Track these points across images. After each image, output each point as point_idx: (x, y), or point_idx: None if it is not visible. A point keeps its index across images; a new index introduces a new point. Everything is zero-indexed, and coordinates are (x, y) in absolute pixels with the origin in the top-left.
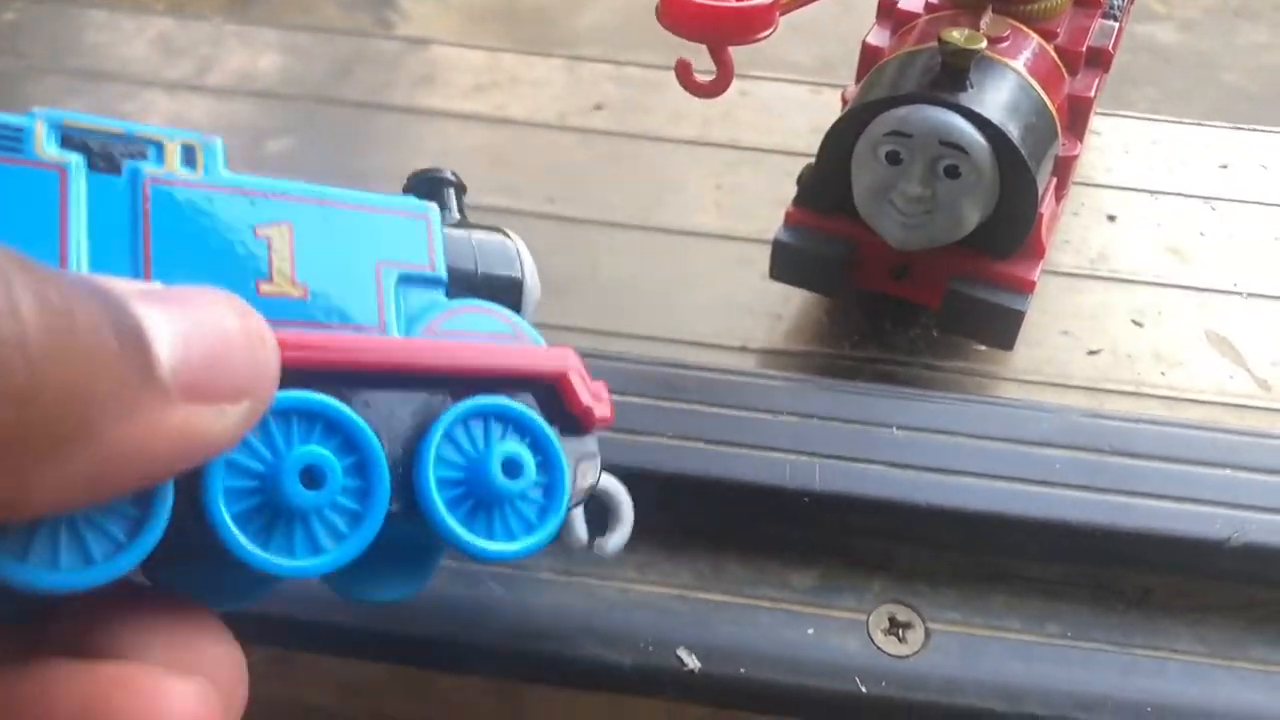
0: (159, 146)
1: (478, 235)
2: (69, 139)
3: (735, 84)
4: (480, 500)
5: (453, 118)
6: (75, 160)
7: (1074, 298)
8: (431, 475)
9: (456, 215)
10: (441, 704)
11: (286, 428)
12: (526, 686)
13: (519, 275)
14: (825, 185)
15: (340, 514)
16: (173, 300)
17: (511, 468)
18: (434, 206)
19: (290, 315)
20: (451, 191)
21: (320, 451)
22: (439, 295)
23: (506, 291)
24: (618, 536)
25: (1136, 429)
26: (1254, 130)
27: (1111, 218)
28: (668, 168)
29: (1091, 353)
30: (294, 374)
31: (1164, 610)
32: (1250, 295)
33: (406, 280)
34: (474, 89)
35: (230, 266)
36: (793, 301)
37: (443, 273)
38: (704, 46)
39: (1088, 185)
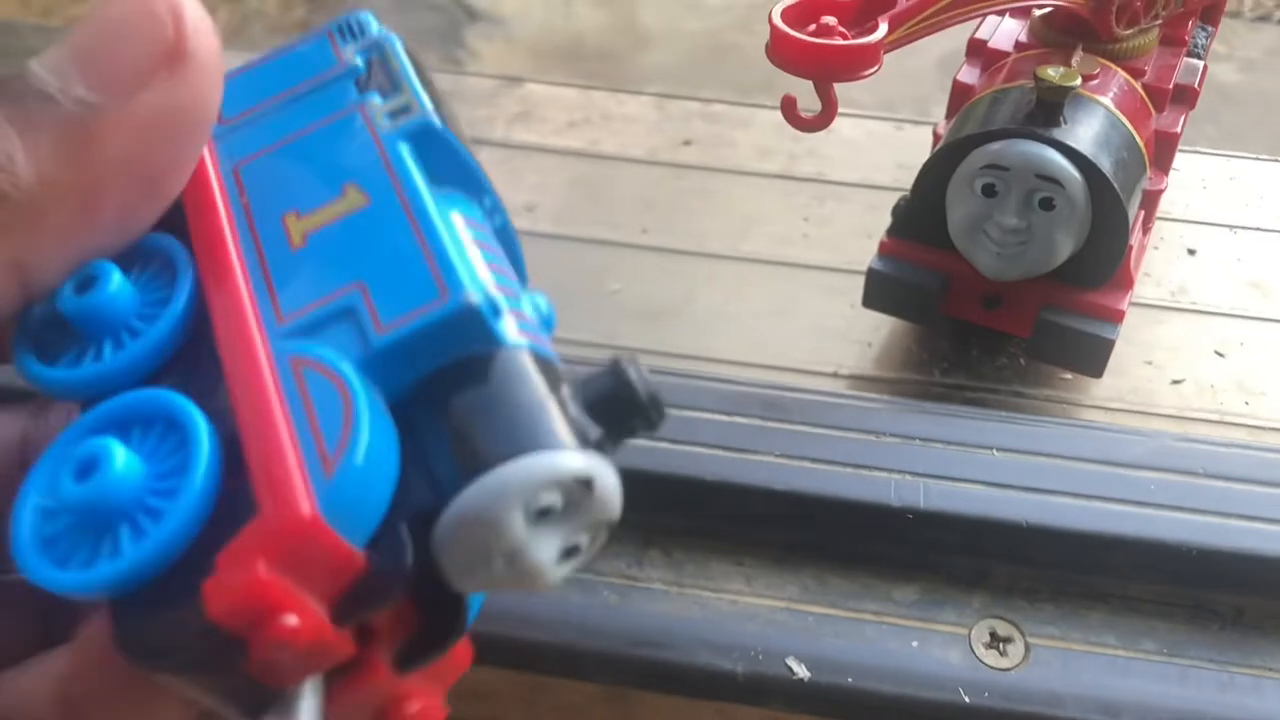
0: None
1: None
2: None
3: None
4: (81, 519)
5: (549, 153)
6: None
7: (1156, 329)
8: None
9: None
10: (551, 710)
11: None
12: (636, 693)
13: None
14: (919, 217)
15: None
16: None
17: (86, 468)
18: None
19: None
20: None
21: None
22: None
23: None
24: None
25: (1227, 453)
26: None
27: (1192, 251)
28: (756, 201)
29: (1175, 382)
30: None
31: (1258, 630)
32: None
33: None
34: (567, 125)
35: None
36: (882, 330)
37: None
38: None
39: (1167, 220)
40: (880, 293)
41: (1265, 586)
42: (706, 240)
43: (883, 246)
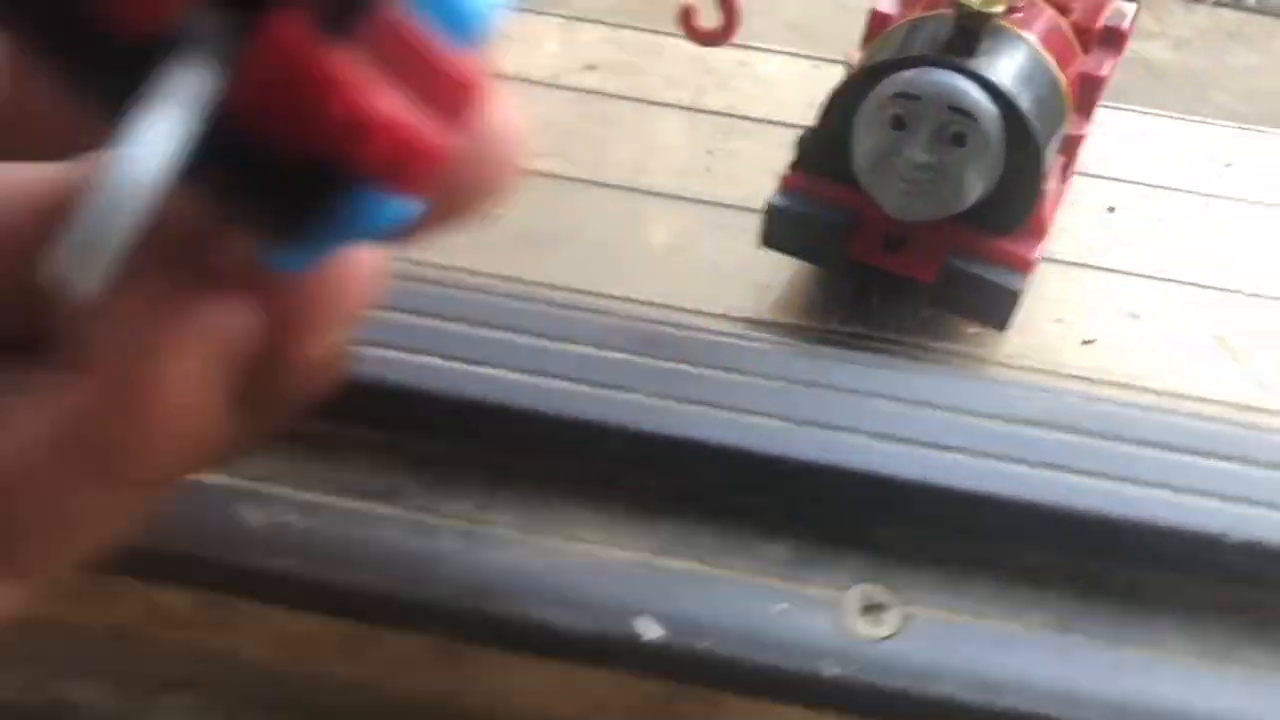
0: None
1: None
2: None
3: (734, 54)
4: None
5: None
6: None
7: (1069, 286)
8: None
9: None
10: (379, 663)
11: None
12: (472, 650)
13: None
14: (826, 149)
15: None
16: None
17: None
18: None
19: None
20: None
21: None
22: None
23: None
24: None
25: (1133, 415)
26: (1259, 131)
27: (1111, 209)
28: (659, 132)
29: (1086, 342)
30: None
31: (1155, 606)
32: (1252, 295)
33: None
34: None
35: None
36: (782, 273)
37: None
38: None
39: (1088, 175)
40: (780, 231)
41: (1165, 560)
42: (602, 169)
43: (784, 181)
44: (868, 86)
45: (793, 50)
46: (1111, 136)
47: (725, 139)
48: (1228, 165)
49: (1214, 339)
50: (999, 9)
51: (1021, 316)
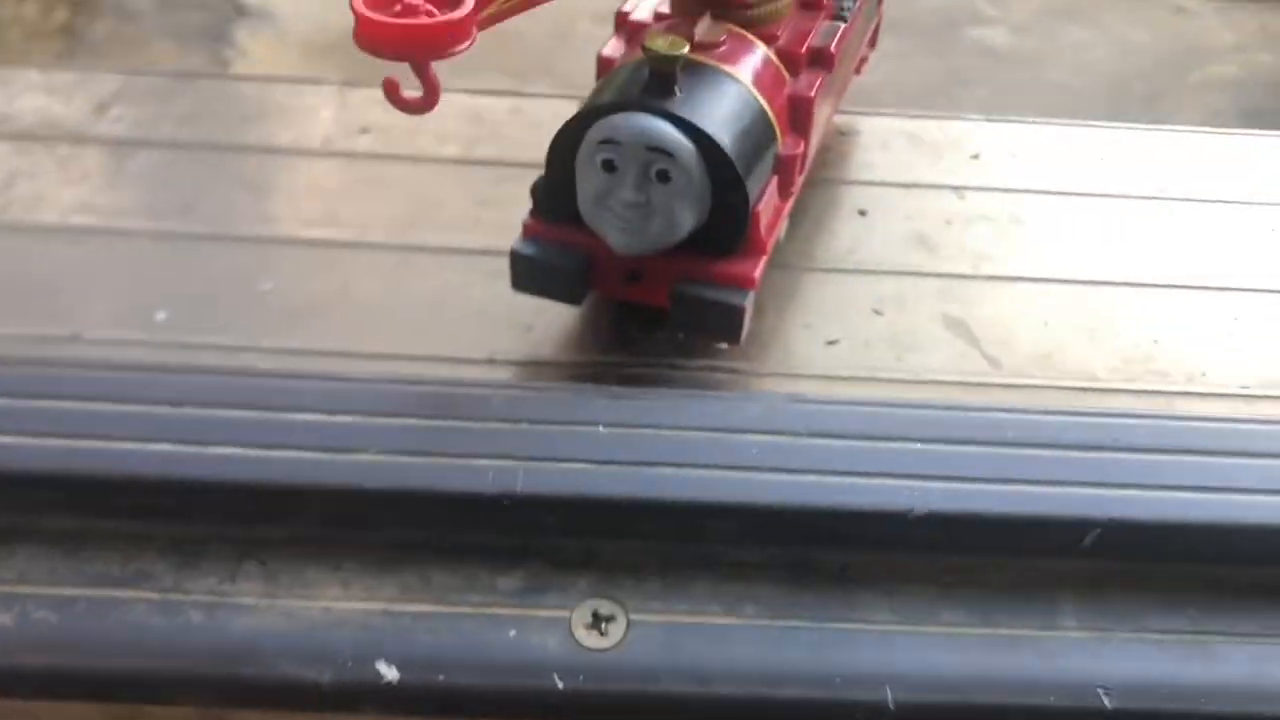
0: None
1: None
2: None
3: (508, 101)
4: None
5: (216, 150)
6: None
7: (819, 291)
8: None
9: None
10: None
11: None
12: (233, 713)
13: None
14: (556, 195)
15: None
16: None
17: None
18: None
19: None
20: None
21: None
22: None
23: None
24: None
25: (832, 410)
26: (1004, 121)
27: (863, 212)
28: (430, 188)
29: (830, 343)
30: None
31: (861, 584)
32: (990, 278)
33: None
34: (239, 120)
35: None
36: (545, 313)
37: None
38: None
39: (843, 183)
40: (525, 275)
41: (863, 540)
42: (369, 231)
43: (525, 228)
44: (579, 134)
45: (561, 93)
46: (868, 143)
47: (496, 187)
48: (975, 156)
49: (952, 324)
50: (682, 51)
51: (773, 327)
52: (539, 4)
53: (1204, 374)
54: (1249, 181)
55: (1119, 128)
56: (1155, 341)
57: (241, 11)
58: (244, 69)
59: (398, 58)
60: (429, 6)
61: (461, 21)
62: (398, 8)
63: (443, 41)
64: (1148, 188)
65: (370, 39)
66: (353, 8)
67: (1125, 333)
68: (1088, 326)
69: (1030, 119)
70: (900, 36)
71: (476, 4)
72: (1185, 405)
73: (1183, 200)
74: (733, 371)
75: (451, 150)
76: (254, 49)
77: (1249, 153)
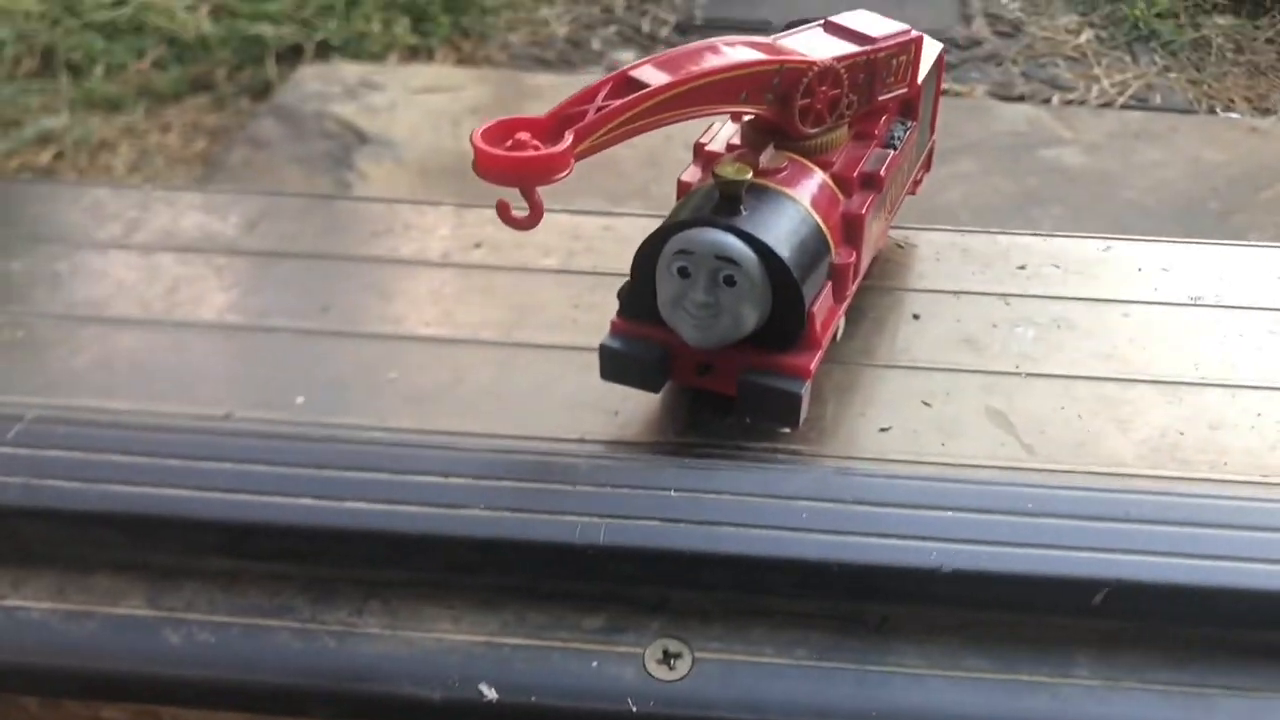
0: None
1: None
2: None
3: (602, 219)
4: None
5: (350, 260)
6: None
7: (875, 384)
8: None
9: None
10: None
11: None
12: None
13: None
14: (640, 298)
15: None
16: None
17: None
18: None
19: None
20: None
21: None
22: None
23: None
24: None
25: (871, 481)
26: (1049, 236)
27: (916, 316)
28: (532, 294)
29: (882, 430)
30: None
31: (898, 634)
32: (1030, 375)
33: None
34: (369, 235)
35: None
36: (630, 399)
37: None
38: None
39: (901, 290)
40: (612, 366)
41: (905, 595)
42: (480, 330)
43: (613, 326)
44: (659, 245)
45: (647, 212)
46: (923, 254)
47: (590, 293)
48: (1021, 267)
49: (993, 415)
50: (746, 177)
51: (832, 412)
52: (628, 139)
53: (1225, 463)
54: (1274, 289)
55: (1153, 241)
56: (1181, 434)
57: (363, 139)
58: (365, 191)
59: (507, 184)
60: (535, 141)
61: (562, 154)
62: (509, 143)
63: (546, 171)
64: (1179, 294)
65: (486, 169)
66: (472, 143)
67: (1153, 426)
68: (1118, 419)
69: (1072, 234)
70: (977, 157)
71: (574, 139)
72: (1204, 489)
73: (1212, 306)
74: (793, 453)
75: (552, 262)
76: (374, 173)
77: (1273, 262)
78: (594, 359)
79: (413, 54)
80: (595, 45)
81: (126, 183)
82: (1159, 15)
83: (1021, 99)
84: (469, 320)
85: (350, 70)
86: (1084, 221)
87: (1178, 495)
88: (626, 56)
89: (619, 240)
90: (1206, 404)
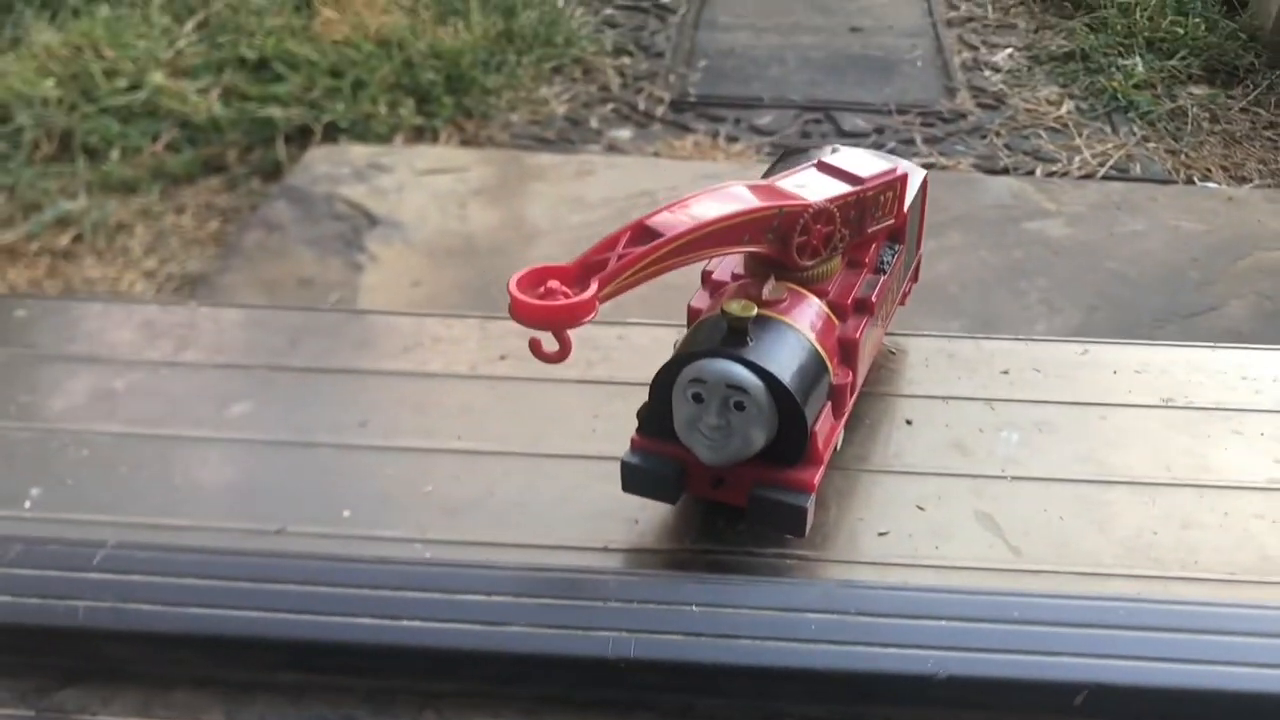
0: None
1: None
2: None
3: (613, 330)
4: None
5: (384, 375)
6: None
7: (871, 489)
8: None
9: None
10: None
11: None
12: None
13: None
14: (658, 417)
15: None
16: None
17: None
18: None
19: None
20: None
21: None
22: None
23: None
24: None
25: (873, 594)
26: (1030, 340)
27: (909, 421)
28: (555, 404)
29: (880, 534)
30: None
31: None
32: (1015, 478)
33: None
34: (401, 350)
35: None
36: (649, 510)
37: None
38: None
39: (893, 395)
40: (632, 480)
41: (905, 699)
42: (508, 441)
43: (633, 443)
44: (675, 373)
45: (659, 322)
46: (913, 360)
47: (608, 403)
48: (1005, 372)
49: (981, 518)
50: (752, 313)
51: (834, 517)
52: (648, 280)
53: (1196, 561)
54: (1243, 391)
55: (1129, 344)
56: (1155, 533)
57: (373, 221)
58: (374, 272)
59: (540, 328)
60: (564, 289)
61: (588, 301)
62: (541, 290)
63: (575, 317)
64: (1152, 397)
65: (522, 315)
66: (509, 292)
67: (1129, 526)
68: (1097, 520)
69: (1052, 338)
70: (964, 230)
71: (598, 286)
72: (1178, 589)
73: (1182, 408)
74: (800, 558)
75: (572, 373)
76: (384, 255)
77: (1243, 365)
78: (614, 468)
79: (418, 134)
80: (594, 123)
81: (166, 297)
82: (1136, 86)
83: (1006, 171)
84: (497, 432)
85: (358, 152)
86: (1069, 293)
87: (1151, 601)
88: (623, 134)
89: (632, 350)
90: (1178, 504)
